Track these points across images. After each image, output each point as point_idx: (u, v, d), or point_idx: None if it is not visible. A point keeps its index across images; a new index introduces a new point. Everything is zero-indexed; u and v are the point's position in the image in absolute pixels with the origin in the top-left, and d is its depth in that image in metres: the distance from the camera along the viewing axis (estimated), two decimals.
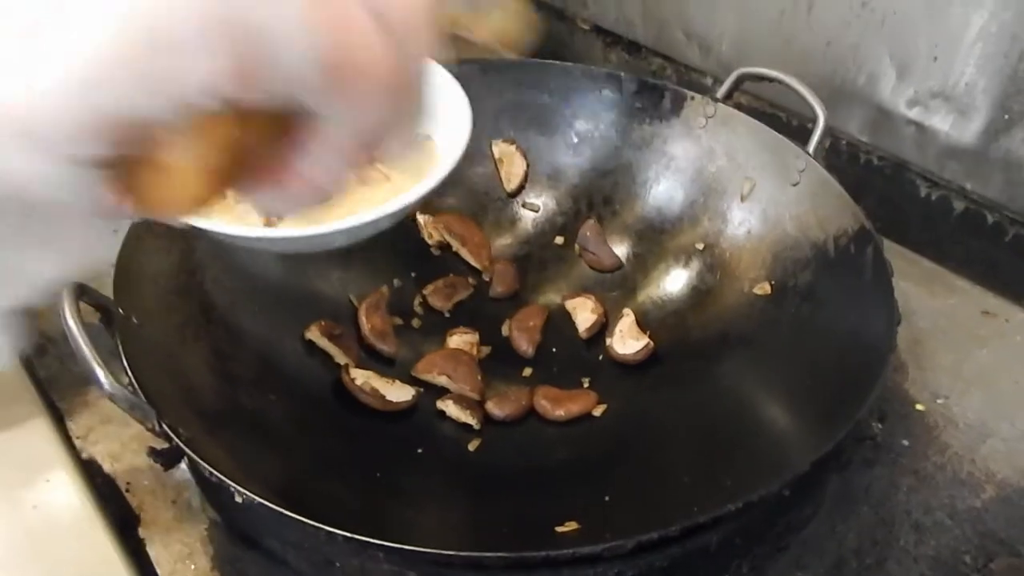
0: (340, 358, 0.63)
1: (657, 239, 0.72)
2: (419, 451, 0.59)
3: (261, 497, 0.42)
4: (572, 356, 0.68)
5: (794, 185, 0.66)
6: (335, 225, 0.43)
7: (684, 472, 0.55)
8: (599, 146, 0.77)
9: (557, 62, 0.78)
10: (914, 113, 0.76)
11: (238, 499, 0.43)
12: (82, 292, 0.48)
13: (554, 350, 0.68)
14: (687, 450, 0.58)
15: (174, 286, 0.59)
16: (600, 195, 0.76)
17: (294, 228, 0.45)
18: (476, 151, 0.77)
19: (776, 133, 0.68)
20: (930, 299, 0.72)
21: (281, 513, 0.42)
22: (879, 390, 0.48)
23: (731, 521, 0.50)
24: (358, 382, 0.61)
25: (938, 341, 0.68)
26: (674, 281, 0.70)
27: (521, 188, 0.77)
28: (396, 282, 0.71)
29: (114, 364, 0.47)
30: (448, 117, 0.49)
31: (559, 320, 0.70)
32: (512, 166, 0.77)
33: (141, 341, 0.51)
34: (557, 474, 0.58)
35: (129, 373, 0.47)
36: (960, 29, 0.70)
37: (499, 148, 0.77)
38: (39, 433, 0.57)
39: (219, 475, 0.43)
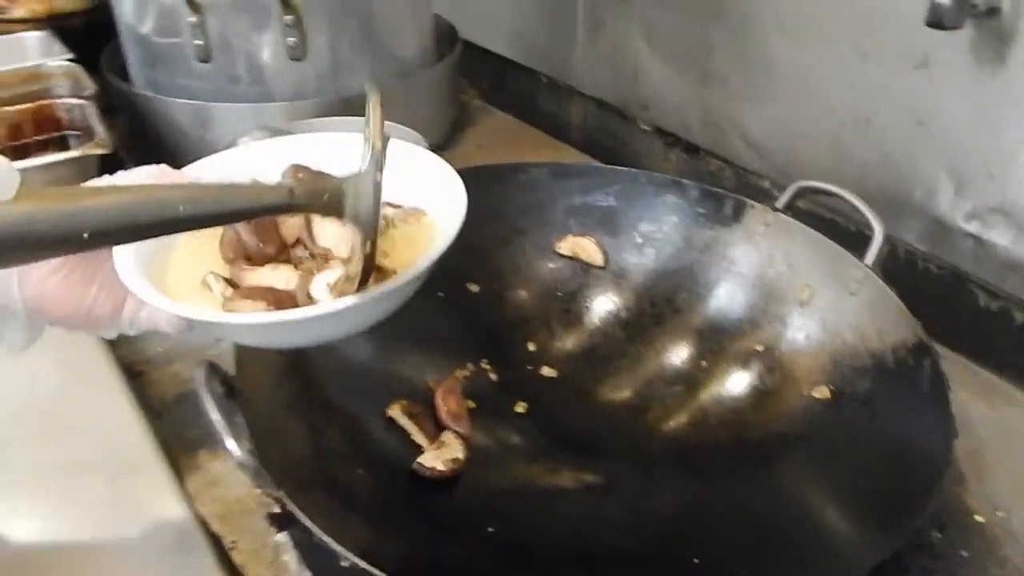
0: (418, 436, 0.67)
1: (718, 339, 0.75)
2: (489, 530, 0.61)
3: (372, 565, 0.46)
4: (633, 444, 0.71)
5: (852, 295, 0.68)
6: (326, 307, 0.43)
7: (739, 568, 0.57)
8: (662, 248, 0.80)
9: (624, 168, 0.83)
10: (972, 227, 0.79)
11: (344, 564, 0.47)
12: (212, 369, 0.54)
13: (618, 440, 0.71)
14: (743, 548, 0.59)
15: (283, 366, 0.64)
16: (663, 295, 0.79)
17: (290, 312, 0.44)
18: (547, 249, 0.82)
19: (834, 244, 0.71)
20: (989, 410, 0.73)
21: None
22: (935, 503, 0.50)
23: None
24: (428, 464, 0.64)
25: (997, 453, 0.69)
26: (735, 381, 0.72)
27: (607, 260, 0.81)
28: (471, 367, 0.75)
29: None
30: (442, 197, 0.51)
31: (623, 411, 0.73)
32: (588, 251, 0.81)
33: (257, 414, 0.55)
34: (614, 562, 0.60)
35: (251, 443, 0.52)
36: (1014, 149, 0.74)
37: (569, 242, 0.81)
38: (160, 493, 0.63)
39: (337, 544, 0.48)
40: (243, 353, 0.59)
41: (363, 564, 0.47)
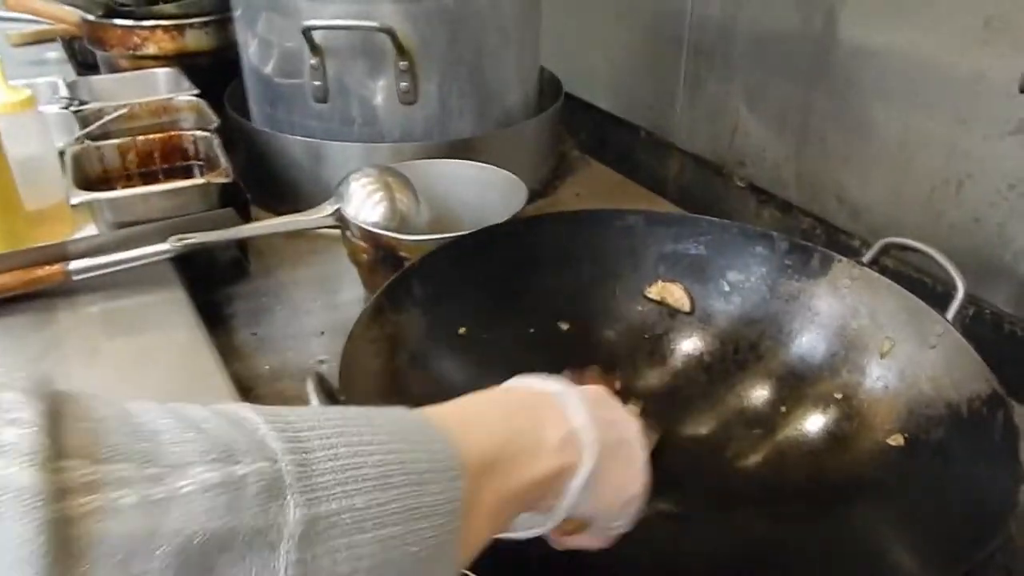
0: None
1: (798, 385, 0.78)
2: None
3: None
4: (709, 479, 0.73)
5: (932, 348, 0.70)
6: None
7: None
8: (748, 296, 0.83)
9: (716, 219, 0.86)
10: None
11: None
12: (320, 380, 0.59)
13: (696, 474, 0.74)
14: None
15: (380, 384, 0.69)
16: (747, 341, 0.82)
17: None
18: (636, 293, 0.85)
19: (917, 299, 0.73)
20: None
21: None
22: (998, 544, 0.51)
23: None
24: None
25: None
26: (812, 425, 0.74)
27: (694, 306, 0.85)
28: None
29: None
30: None
31: (701, 447, 0.76)
32: (676, 296, 0.85)
33: None
34: None
35: None
36: None
37: (658, 287, 0.85)
38: None
39: None
40: (347, 370, 0.64)
41: None
